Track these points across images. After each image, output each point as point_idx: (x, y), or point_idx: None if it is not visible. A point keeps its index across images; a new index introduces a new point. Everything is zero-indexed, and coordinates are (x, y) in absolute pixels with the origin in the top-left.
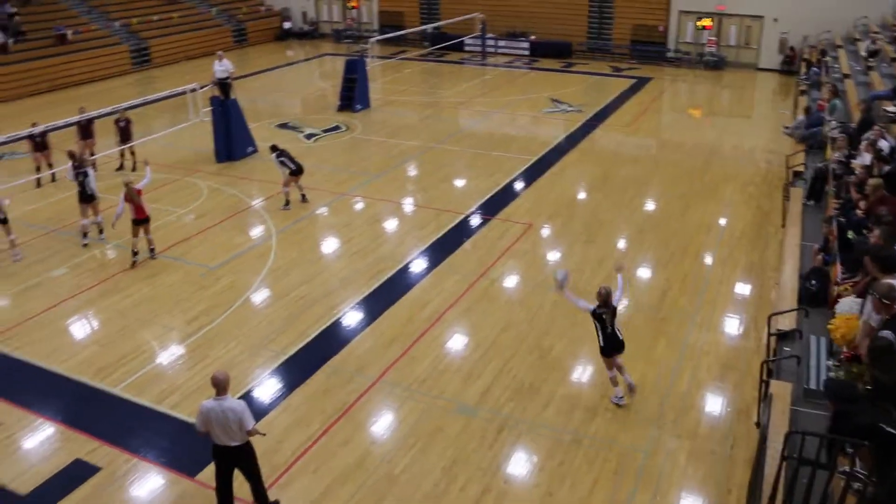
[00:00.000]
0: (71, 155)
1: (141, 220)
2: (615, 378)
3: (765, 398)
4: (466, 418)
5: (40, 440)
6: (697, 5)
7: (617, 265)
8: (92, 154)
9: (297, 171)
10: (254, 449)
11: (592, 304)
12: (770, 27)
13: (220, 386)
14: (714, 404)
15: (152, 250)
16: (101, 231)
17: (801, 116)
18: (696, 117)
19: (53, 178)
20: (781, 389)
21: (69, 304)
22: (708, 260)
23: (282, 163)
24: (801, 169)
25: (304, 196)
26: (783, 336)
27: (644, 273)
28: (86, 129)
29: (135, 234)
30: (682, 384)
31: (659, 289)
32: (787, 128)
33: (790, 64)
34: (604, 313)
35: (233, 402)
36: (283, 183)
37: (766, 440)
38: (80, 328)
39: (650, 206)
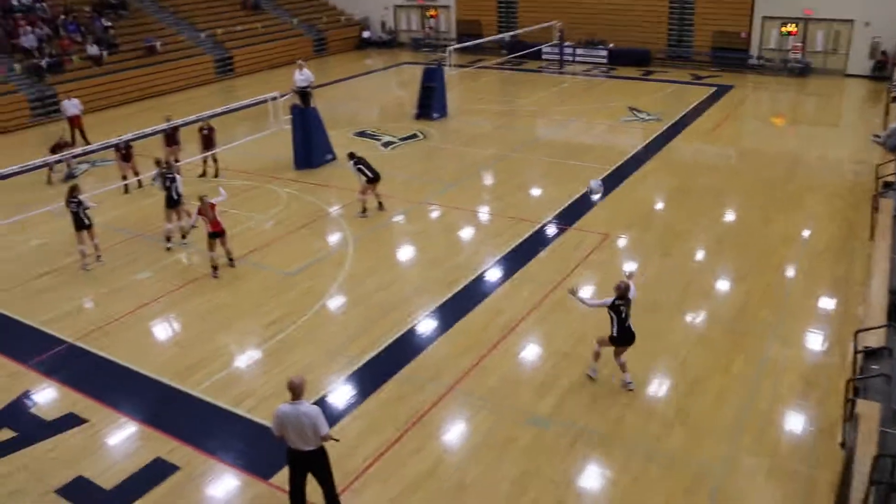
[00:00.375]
0: (157, 162)
1: (216, 234)
2: (598, 353)
3: (850, 418)
4: (539, 430)
5: (124, 438)
6: (782, 10)
7: (629, 272)
8: (177, 161)
9: (373, 179)
10: (327, 454)
11: (611, 298)
12: (861, 31)
13: (297, 391)
14: (795, 422)
15: (231, 259)
16: (184, 236)
17: (893, 124)
18: (780, 126)
19: (140, 185)
20: (869, 409)
21: (153, 307)
22: (790, 273)
23: (359, 170)
24: (892, 179)
25: (380, 204)
26: (871, 353)
27: (723, 285)
28: (171, 137)
29: (211, 248)
30: (761, 400)
31: (738, 302)
32: (877, 136)
33: (882, 69)
34: (622, 305)
35: (308, 406)
36: (360, 190)
37: (852, 462)
38: (163, 330)
39: (730, 216)
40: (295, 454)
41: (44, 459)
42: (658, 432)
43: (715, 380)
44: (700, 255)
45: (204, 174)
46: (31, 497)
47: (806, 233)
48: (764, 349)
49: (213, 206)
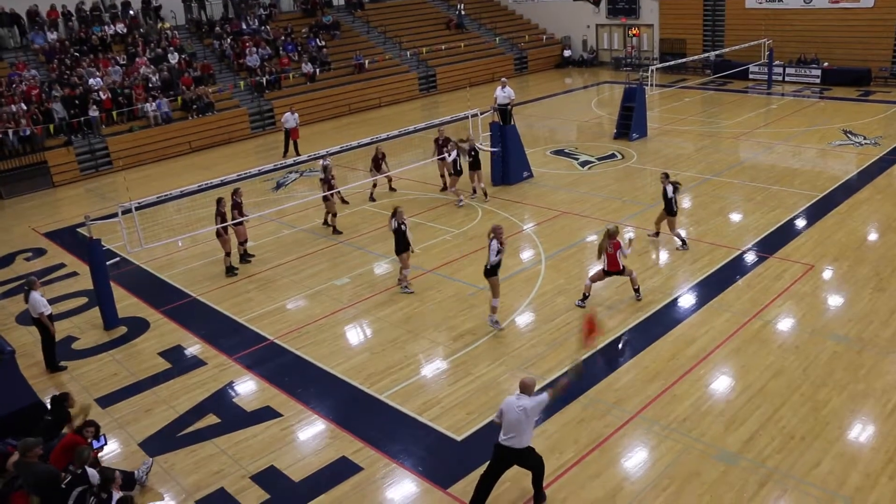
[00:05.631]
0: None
1: (610, 272)
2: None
3: None
4: (726, 466)
5: (313, 434)
6: None
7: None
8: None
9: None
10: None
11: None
12: None
13: (524, 388)
14: None
15: (637, 290)
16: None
17: None
18: None
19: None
20: None
21: (348, 312)
22: None
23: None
24: None
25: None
26: None
27: None
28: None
29: (596, 280)
30: None
31: None
32: None
33: None
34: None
35: (528, 399)
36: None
37: None
38: (356, 335)
39: None
40: (500, 450)
41: (242, 446)
42: (860, 482)
43: None
44: None
45: (373, 198)
46: (230, 479)
47: None
48: None
49: (616, 243)
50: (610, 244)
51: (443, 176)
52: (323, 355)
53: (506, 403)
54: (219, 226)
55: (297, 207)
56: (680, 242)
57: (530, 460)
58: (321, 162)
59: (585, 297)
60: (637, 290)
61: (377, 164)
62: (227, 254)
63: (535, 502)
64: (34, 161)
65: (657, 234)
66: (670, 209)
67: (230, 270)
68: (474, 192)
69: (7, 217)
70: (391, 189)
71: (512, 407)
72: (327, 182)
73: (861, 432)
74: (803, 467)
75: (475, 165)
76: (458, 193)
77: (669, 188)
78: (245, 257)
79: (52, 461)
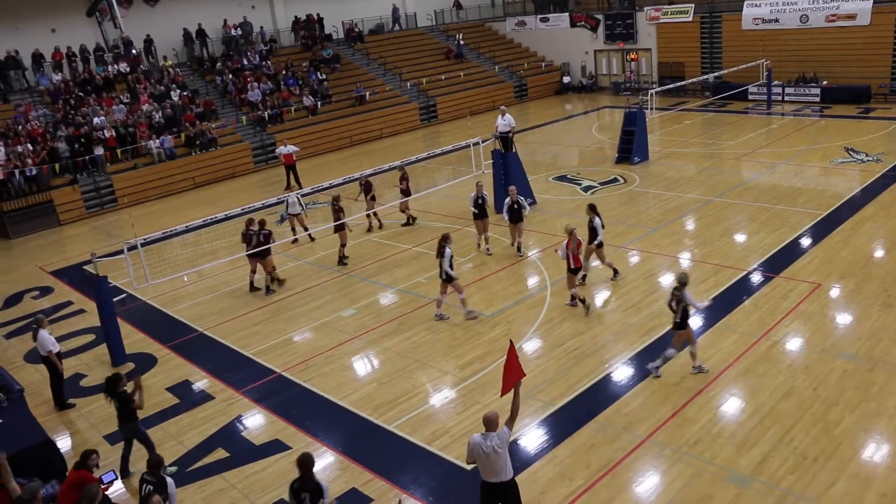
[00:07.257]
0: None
1: (575, 270)
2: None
3: None
4: (739, 488)
5: (322, 466)
6: None
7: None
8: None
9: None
10: (518, 489)
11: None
12: None
13: (489, 424)
14: None
15: (582, 301)
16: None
17: None
18: None
19: (371, 228)
20: None
21: (355, 343)
22: None
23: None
24: None
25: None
26: None
27: None
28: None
29: (570, 285)
30: None
31: None
32: None
33: None
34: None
35: (493, 436)
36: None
37: None
38: (363, 366)
39: None
40: (487, 487)
41: (252, 480)
42: (877, 503)
43: None
44: None
45: (370, 229)
46: None
47: None
48: None
49: (580, 242)
50: (577, 243)
51: (403, 211)
52: (331, 387)
53: (474, 445)
54: (259, 248)
55: (301, 239)
56: (613, 273)
57: (515, 497)
58: (289, 199)
59: (584, 301)
60: (574, 299)
61: (366, 191)
62: (254, 270)
63: None
64: (40, 200)
65: (615, 271)
66: (597, 240)
67: (254, 288)
68: (513, 244)
69: (14, 256)
70: (379, 225)
71: (480, 449)
72: (340, 212)
73: (875, 452)
74: (818, 488)
75: (516, 219)
76: (485, 241)
77: (597, 220)
78: (272, 283)
79: (59, 500)
